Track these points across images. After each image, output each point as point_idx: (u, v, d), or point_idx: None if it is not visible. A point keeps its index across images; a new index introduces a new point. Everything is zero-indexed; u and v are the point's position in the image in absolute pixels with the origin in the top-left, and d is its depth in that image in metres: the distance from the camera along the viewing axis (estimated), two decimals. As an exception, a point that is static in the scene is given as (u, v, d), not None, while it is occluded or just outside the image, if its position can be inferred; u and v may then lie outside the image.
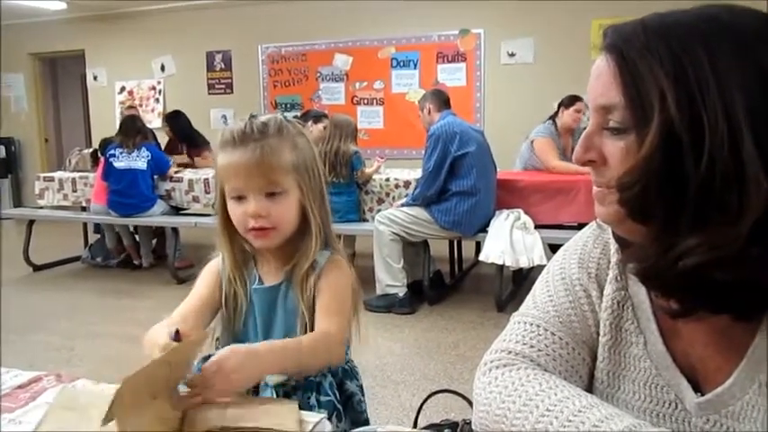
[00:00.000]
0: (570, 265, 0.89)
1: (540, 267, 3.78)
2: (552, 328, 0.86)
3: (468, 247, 5.05)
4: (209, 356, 1.24)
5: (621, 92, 0.68)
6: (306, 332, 1.15)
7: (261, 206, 1.14)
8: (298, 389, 1.15)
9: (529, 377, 0.80)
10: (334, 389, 1.19)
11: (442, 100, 4.27)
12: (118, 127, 5.42)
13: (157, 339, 0.97)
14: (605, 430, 0.67)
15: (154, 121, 7.87)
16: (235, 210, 1.16)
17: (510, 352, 0.86)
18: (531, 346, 0.85)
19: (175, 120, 6.03)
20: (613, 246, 0.86)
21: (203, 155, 5.89)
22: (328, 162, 4.41)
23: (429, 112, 4.25)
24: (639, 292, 0.83)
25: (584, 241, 0.90)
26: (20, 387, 0.99)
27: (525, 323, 0.88)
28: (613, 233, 0.84)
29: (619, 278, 0.84)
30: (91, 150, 6.04)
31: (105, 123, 8.05)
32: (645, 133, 0.65)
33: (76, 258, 5.81)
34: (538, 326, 0.86)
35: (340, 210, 4.48)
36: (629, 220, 0.70)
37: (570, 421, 0.71)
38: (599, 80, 0.71)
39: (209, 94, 7.91)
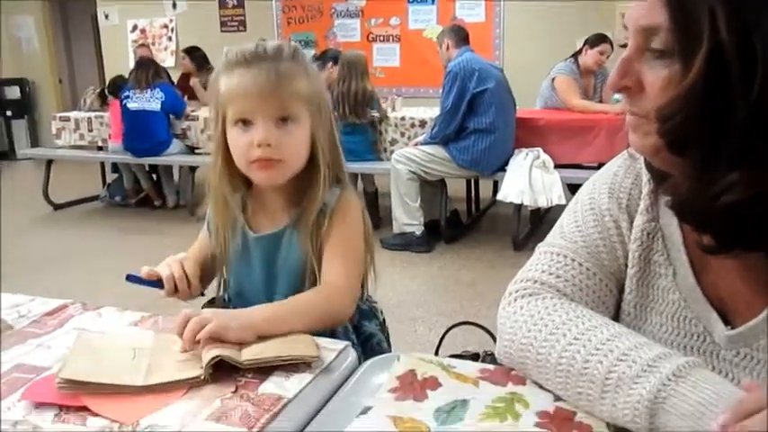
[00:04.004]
0: (600, 195, 0.87)
1: (559, 207, 3.77)
2: (579, 258, 0.84)
3: (485, 188, 5.03)
4: (213, 299, 1.23)
5: (667, 12, 0.63)
6: (314, 281, 1.08)
7: (270, 134, 1.02)
8: None
9: (555, 306, 0.79)
10: (350, 333, 1.15)
11: (460, 36, 4.18)
12: (133, 69, 5.36)
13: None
14: (634, 359, 0.67)
15: (167, 59, 7.77)
16: (238, 140, 1.05)
17: (536, 281, 0.85)
18: (558, 276, 0.84)
19: (195, 53, 6.02)
20: (645, 176, 0.83)
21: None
22: (347, 103, 4.32)
23: (447, 48, 4.16)
24: (671, 223, 0.81)
25: (614, 171, 0.88)
26: (47, 314, 1.00)
27: (552, 253, 0.86)
28: (646, 164, 0.81)
29: (650, 209, 0.82)
30: (99, 90, 6.00)
31: (118, 62, 7.95)
32: (691, 59, 0.61)
33: (95, 197, 5.85)
34: (565, 256, 0.85)
35: (356, 149, 4.45)
36: (666, 151, 0.67)
37: (598, 350, 0.70)
38: None
39: (222, 31, 7.75)
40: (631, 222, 0.84)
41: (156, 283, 1.05)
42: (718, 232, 0.67)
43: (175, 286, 1.06)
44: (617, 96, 4.50)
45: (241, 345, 0.86)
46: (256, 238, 1.13)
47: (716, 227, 0.67)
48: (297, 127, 1.06)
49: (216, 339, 0.85)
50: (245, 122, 1.04)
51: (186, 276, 1.07)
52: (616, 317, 0.86)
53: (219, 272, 1.20)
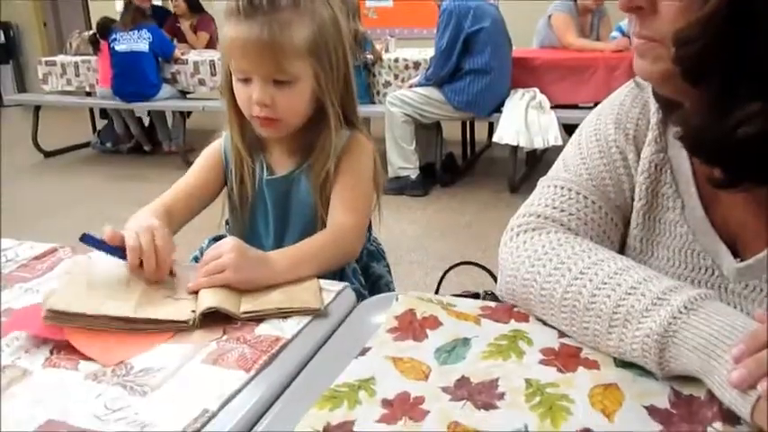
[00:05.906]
0: (606, 125, 0.83)
1: (555, 148, 3.72)
2: (584, 191, 0.82)
3: (480, 130, 4.97)
4: (220, 237, 1.21)
5: None
6: (323, 227, 1.06)
7: (266, 94, 1.00)
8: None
9: (560, 241, 0.77)
10: (358, 275, 1.14)
11: (455, -27, 4.05)
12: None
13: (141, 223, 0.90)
14: (643, 292, 0.65)
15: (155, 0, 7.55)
16: (239, 92, 1.04)
17: (539, 216, 0.82)
18: (562, 210, 0.81)
19: None
20: (653, 105, 0.80)
21: (200, 35, 5.83)
22: None
23: (442, -15, 4.04)
24: (680, 154, 0.78)
25: (621, 101, 0.84)
26: (36, 258, 0.98)
27: (555, 187, 0.83)
28: (655, 93, 0.77)
29: (658, 140, 0.79)
30: (90, 34, 5.84)
31: (103, 4, 7.73)
32: None
33: (86, 144, 5.76)
34: (569, 189, 0.82)
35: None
36: (678, 79, 0.62)
37: (605, 284, 0.68)
38: None
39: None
40: (638, 154, 0.81)
41: (118, 250, 0.85)
42: (730, 166, 0.64)
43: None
44: (614, 34, 4.42)
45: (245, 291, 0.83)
46: (268, 180, 1.12)
47: (729, 160, 0.64)
48: (295, 86, 1.02)
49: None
50: (245, 79, 1.02)
51: (157, 251, 0.85)
52: (621, 252, 0.84)
53: (234, 212, 1.17)
